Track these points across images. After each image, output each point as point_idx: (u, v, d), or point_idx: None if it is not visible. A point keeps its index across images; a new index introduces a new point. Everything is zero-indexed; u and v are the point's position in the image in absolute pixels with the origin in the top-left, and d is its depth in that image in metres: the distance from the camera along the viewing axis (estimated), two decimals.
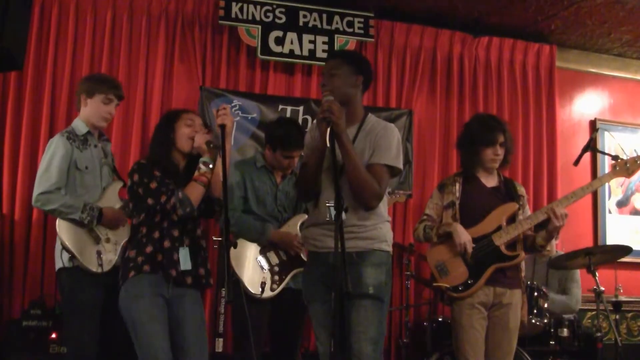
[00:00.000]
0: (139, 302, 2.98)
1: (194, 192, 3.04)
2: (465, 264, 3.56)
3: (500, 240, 3.58)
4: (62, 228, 3.45)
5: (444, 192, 3.73)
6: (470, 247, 3.53)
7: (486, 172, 3.74)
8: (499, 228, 3.60)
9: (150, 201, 3.03)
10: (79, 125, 3.69)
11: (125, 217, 3.61)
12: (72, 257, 3.44)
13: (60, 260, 3.49)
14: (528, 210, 3.77)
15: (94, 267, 3.44)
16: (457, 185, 3.69)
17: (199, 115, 3.34)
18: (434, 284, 3.57)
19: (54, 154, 3.53)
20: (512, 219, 3.65)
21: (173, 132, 3.18)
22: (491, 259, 3.56)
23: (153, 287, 2.99)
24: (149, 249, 3.03)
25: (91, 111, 3.69)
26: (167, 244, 3.03)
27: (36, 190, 3.49)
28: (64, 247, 3.45)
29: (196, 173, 3.07)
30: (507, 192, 3.73)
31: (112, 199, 3.65)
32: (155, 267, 3.00)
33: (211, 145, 3.07)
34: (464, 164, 3.81)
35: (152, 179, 3.04)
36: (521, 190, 3.80)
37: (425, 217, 3.78)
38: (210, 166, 3.08)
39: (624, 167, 3.71)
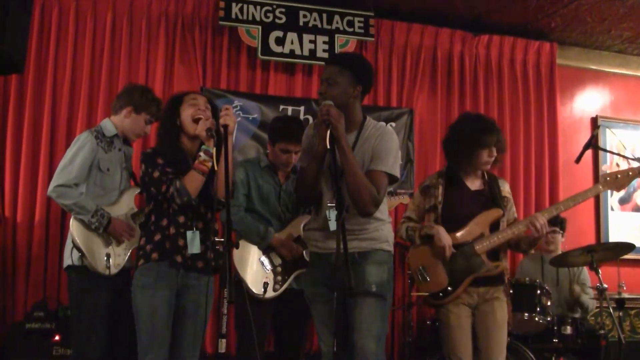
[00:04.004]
0: (145, 293, 3.02)
1: (192, 182, 3.03)
2: (445, 270, 3.50)
3: (482, 249, 3.50)
4: (75, 226, 3.47)
5: (426, 195, 3.64)
6: (449, 251, 3.45)
7: (472, 173, 3.64)
8: (482, 235, 3.53)
9: (153, 190, 3.08)
10: (108, 126, 3.72)
11: (135, 227, 3.62)
12: (82, 256, 3.45)
13: (70, 258, 3.50)
14: (514, 211, 3.70)
15: (101, 269, 3.45)
16: (440, 188, 3.59)
17: (204, 96, 3.31)
18: (413, 293, 3.51)
19: (79, 149, 3.55)
20: (495, 225, 3.58)
21: (178, 117, 3.18)
22: (471, 267, 3.48)
23: (161, 279, 3.02)
24: (157, 236, 3.07)
25: (131, 125, 3.74)
26: (172, 230, 3.07)
27: (54, 182, 3.52)
28: (75, 245, 3.46)
29: (196, 161, 3.06)
30: (491, 196, 3.62)
31: (127, 204, 3.67)
32: (163, 254, 3.04)
33: (210, 134, 3.05)
34: (454, 164, 3.66)
35: (154, 168, 3.07)
36: (505, 189, 3.69)
37: (405, 218, 3.70)
38: (211, 154, 3.04)
39: (615, 179, 3.63)
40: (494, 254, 3.56)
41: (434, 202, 3.59)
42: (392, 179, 3.00)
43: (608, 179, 3.66)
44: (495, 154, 3.59)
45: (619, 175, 3.63)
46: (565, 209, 3.66)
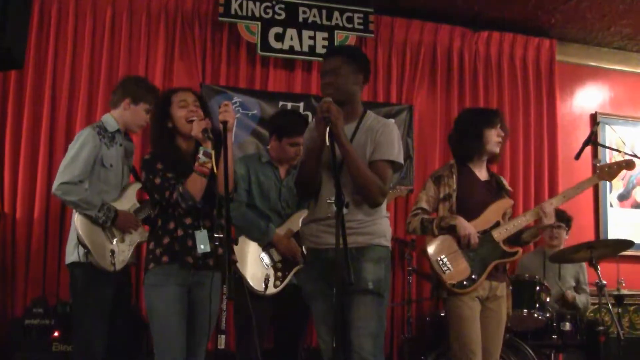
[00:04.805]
0: (156, 292, 3.04)
1: (194, 185, 3.03)
2: (466, 259, 3.54)
3: (500, 237, 3.58)
4: (80, 223, 3.47)
5: (440, 184, 3.67)
6: (475, 239, 3.50)
7: (479, 164, 3.70)
8: (498, 224, 3.61)
9: (156, 196, 3.09)
10: (110, 121, 3.70)
11: (139, 221, 3.62)
12: (87, 253, 3.44)
13: (76, 254, 3.48)
14: None
15: (106, 266, 3.45)
16: (454, 177, 3.64)
17: (191, 91, 3.27)
18: (449, 282, 3.52)
19: (82, 145, 3.53)
20: (504, 215, 3.67)
21: (170, 119, 3.15)
22: (492, 255, 3.56)
23: (173, 277, 3.04)
24: (165, 240, 3.08)
25: (132, 117, 3.73)
26: (180, 232, 3.07)
27: (59, 179, 3.50)
28: (80, 242, 3.45)
29: (196, 164, 3.05)
30: (497, 187, 3.74)
31: (130, 199, 3.67)
32: (173, 257, 3.05)
33: (206, 135, 3.04)
34: (464, 154, 3.71)
35: (155, 174, 3.07)
36: (506, 184, 3.82)
37: (419, 210, 3.68)
38: (210, 154, 3.03)
39: (605, 171, 3.82)
40: (507, 242, 3.63)
41: (448, 191, 3.63)
42: (395, 166, 3.04)
43: (599, 171, 3.84)
44: (502, 133, 3.67)
45: (607, 168, 3.84)
46: (569, 198, 3.77)
